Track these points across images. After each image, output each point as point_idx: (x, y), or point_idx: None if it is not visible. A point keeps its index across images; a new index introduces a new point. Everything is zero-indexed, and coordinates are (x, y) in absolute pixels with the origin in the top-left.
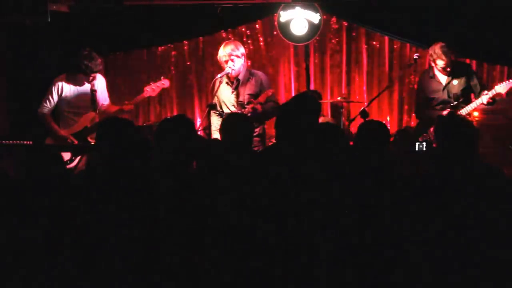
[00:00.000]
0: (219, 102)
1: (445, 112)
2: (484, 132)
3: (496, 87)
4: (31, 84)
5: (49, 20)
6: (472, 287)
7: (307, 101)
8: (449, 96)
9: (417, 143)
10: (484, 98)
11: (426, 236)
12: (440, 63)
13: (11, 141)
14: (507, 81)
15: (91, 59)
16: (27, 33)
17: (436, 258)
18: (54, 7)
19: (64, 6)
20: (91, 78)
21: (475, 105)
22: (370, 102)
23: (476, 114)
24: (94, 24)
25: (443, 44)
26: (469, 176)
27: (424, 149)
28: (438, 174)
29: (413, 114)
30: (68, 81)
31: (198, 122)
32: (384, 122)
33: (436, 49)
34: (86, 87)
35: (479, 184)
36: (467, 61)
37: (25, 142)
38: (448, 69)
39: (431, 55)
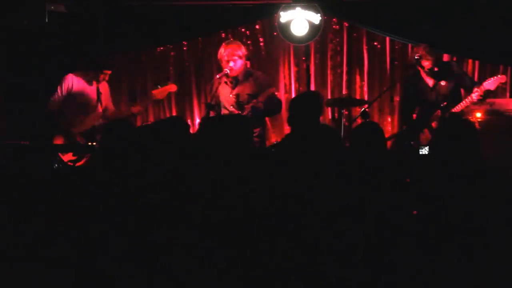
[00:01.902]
0: (218, 102)
1: (436, 114)
2: (487, 133)
3: (484, 83)
4: (29, 85)
5: (46, 20)
6: None
7: (309, 100)
8: (437, 98)
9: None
10: (474, 95)
11: (427, 238)
12: (426, 64)
13: (9, 141)
14: (494, 77)
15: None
16: (25, 33)
17: (436, 260)
18: (52, 7)
19: (62, 7)
20: (102, 76)
21: (466, 104)
22: (371, 103)
23: (478, 115)
24: (92, 25)
25: (426, 45)
26: (470, 178)
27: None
28: (438, 176)
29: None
30: (79, 80)
31: (197, 122)
32: (384, 123)
33: (420, 51)
34: (93, 87)
35: (481, 186)
36: (469, 61)
37: (22, 143)
38: (435, 69)
39: (416, 59)
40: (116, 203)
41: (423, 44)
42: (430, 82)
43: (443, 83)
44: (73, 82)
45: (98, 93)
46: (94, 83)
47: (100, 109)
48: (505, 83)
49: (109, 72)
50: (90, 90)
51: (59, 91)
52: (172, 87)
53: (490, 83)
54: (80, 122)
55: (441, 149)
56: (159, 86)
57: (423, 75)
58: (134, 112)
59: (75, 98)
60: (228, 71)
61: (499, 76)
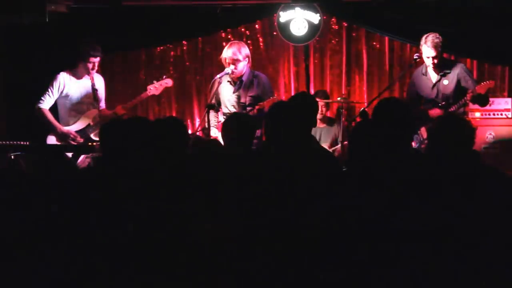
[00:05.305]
0: (219, 101)
1: (433, 111)
2: (486, 132)
3: (477, 87)
4: (29, 85)
5: (47, 20)
6: None
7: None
8: (437, 96)
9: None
10: (466, 97)
11: (424, 238)
12: (426, 51)
13: (9, 142)
14: (485, 82)
15: (91, 45)
16: (26, 33)
17: (433, 260)
18: (53, 7)
19: (62, 7)
20: (91, 65)
21: (459, 105)
22: (370, 103)
23: (478, 114)
24: (92, 25)
25: (437, 34)
26: (466, 177)
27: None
28: (434, 175)
29: None
30: (70, 77)
31: (197, 122)
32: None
33: (428, 37)
34: (88, 83)
35: (477, 185)
36: (468, 61)
37: (22, 143)
38: (434, 62)
39: (415, 59)
40: (118, 202)
41: (434, 33)
42: (434, 78)
43: (446, 82)
44: (65, 80)
45: (93, 90)
46: (89, 79)
47: (96, 106)
48: (494, 88)
49: (97, 58)
50: (84, 87)
51: (50, 90)
52: (168, 82)
53: (481, 87)
54: (76, 121)
55: (437, 148)
56: (155, 82)
57: (429, 70)
58: (119, 113)
59: (70, 97)
60: (230, 71)
61: (488, 81)
